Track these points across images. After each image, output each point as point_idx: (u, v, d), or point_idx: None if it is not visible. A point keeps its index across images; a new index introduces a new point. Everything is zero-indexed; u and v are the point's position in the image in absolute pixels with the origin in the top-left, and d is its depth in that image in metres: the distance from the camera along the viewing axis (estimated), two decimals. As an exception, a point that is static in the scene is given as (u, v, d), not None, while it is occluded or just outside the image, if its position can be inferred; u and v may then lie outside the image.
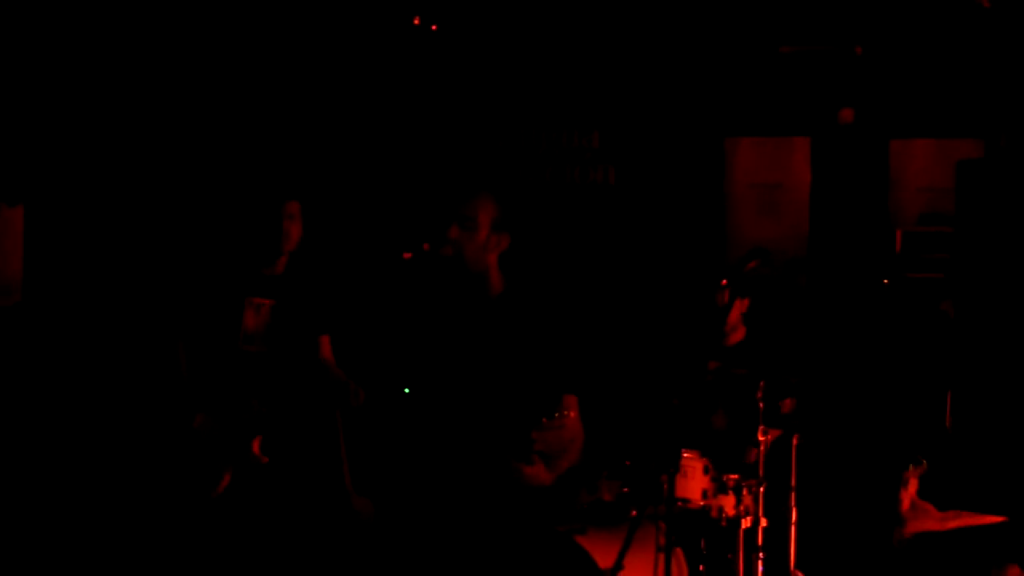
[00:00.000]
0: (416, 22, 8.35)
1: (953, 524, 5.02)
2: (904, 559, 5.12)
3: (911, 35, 8.03)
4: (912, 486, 5.14)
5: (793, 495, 5.80)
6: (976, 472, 4.80)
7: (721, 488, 5.77)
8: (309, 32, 8.23)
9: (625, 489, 5.95)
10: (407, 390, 6.89)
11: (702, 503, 5.75)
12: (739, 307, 6.63)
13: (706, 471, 5.78)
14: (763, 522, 5.75)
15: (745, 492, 5.75)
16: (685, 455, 5.77)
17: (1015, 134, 7.68)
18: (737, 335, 6.68)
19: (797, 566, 5.84)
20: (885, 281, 7.92)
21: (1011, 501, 4.76)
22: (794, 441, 5.82)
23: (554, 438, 5.03)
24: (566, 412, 5.04)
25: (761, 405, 5.83)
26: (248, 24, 8.08)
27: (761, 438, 5.77)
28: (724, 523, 5.77)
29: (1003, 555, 5.01)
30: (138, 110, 7.84)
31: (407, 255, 6.19)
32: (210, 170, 7.96)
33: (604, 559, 5.33)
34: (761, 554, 5.73)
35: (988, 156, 7.77)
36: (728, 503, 5.76)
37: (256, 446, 5.87)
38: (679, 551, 5.72)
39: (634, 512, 5.52)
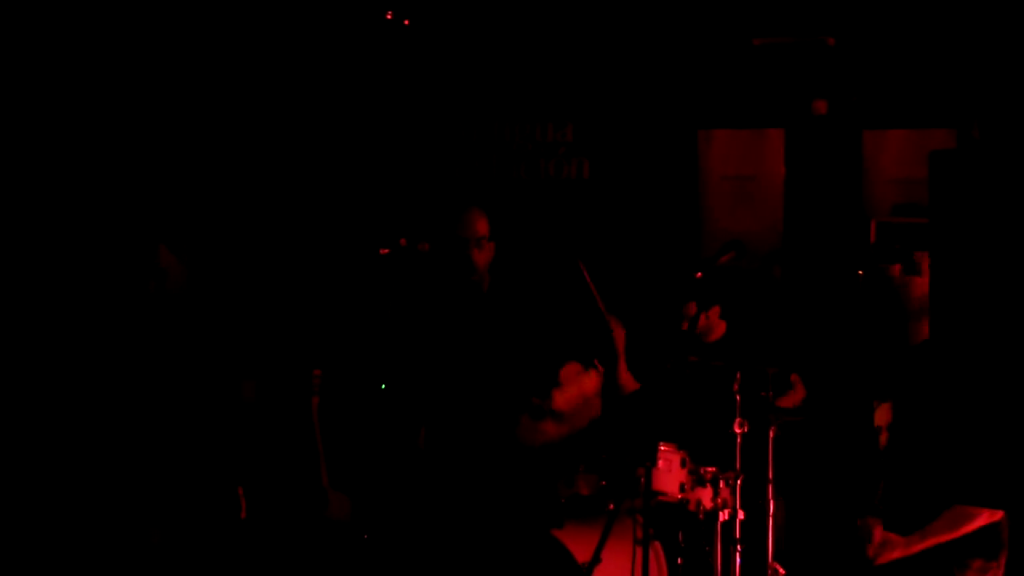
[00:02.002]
0: (389, 17, 8.33)
1: (918, 547, 5.07)
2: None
3: (883, 26, 8.05)
4: (877, 534, 5.18)
5: (771, 487, 5.81)
6: (959, 463, 4.80)
7: (699, 481, 5.77)
8: (282, 28, 8.20)
9: (602, 483, 5.96)
10: (383, 386, 6.87)
11: (679, 496, 5.75)
12: (712, 312, 6.62)
13: (683, 464, 5.78)
14: (740, 515, 5.75)
15: (722, 485, 5.76)
16: (662, 448, 5.77)
17: (988, 123, 7.70)
18: (715, 334, 6.67)
19: (775, 558, 5.84)
20: (860, 272, 7.93)
21: (996, 493, 4.77)
22: (771, 434, 5.82)
23: (570, 395, 5.10)
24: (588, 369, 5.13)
25: (738, 397, 5.84)
26: (219, 21, 8.05)
27: (738, 430, 5.77)
28: (702, 516, 5.77)
29: (967, 550, 5.06)
30: (98, 110, 7.77)
31: (384, 251, 6.17)
32: (178, 174, 7.91)
33: (582, 553, 5.33)
34: (739, 546, 5.74)
35: (961, 146, 7.80)
36: (705, 496, 5.76)
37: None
38: (657, 544, 5.73)
39: (611, 506, 5.52)
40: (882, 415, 5.42)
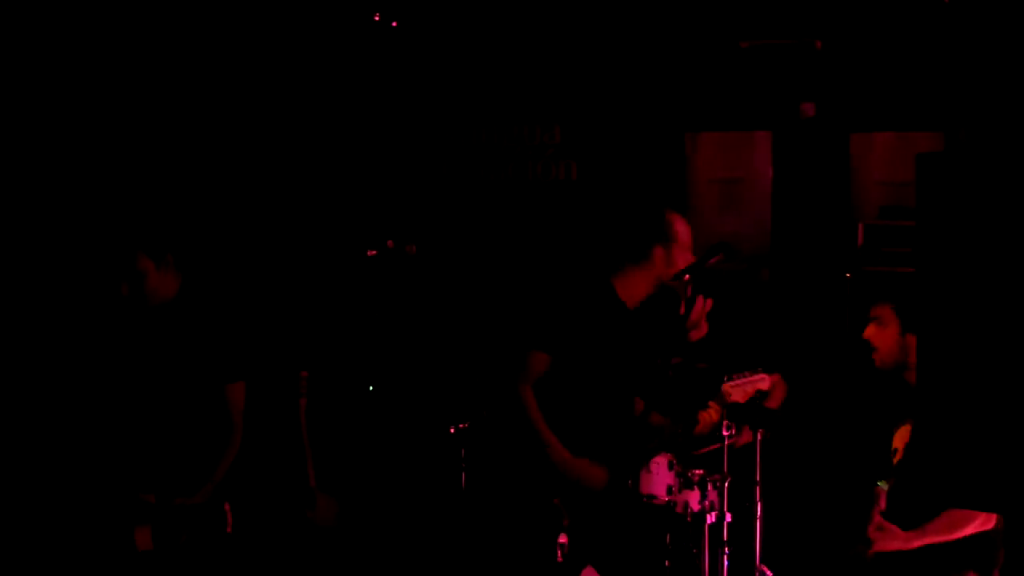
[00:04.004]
0: (377, 18, 8.32)
1: (918, 543, 5.07)
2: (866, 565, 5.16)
3: (871, 29, 8.05)
4: (883, 502, 5.19)
5: (758, 490, 5.81)
6: (945, 468, 4.81)
7: (686, 484, 5.77)
8: (268, 29, 8.19)
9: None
10: (371, 387, 6.85)
11: (667, 499, 5.76)
12: (702, 305, 6.61)
13: (671, 467, 5.78)
14: (728, 517, 5.76)
15: (710, 487, 5.76)
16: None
17: (975, 127, 7.71)
18: (699, 333, 6.67)
19: (762, 561, 5.85)
20: (847, 275, 7.94)
21: (986, 499, 4.77)
22: (758, 436, 5.83)
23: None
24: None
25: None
26: (203, 22, 8.03)
27: (725, 433, 5.77)
28: (689, 518, 5.77)
29: (961, 561, 5.07)
30: (85, 113, 7.74)
31: (372, 252, 6.15)
32: (165, 177, 7.89)
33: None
34: (726, 549, 5.75)
35: (948, 149, 7.80)
36: (693, 498, 5.76)
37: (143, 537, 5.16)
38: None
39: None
40: (901, 437, 5.41)
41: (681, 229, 5.77)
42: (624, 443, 5.49)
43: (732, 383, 5.48)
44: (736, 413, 5.81)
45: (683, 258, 5.72)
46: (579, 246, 8.40)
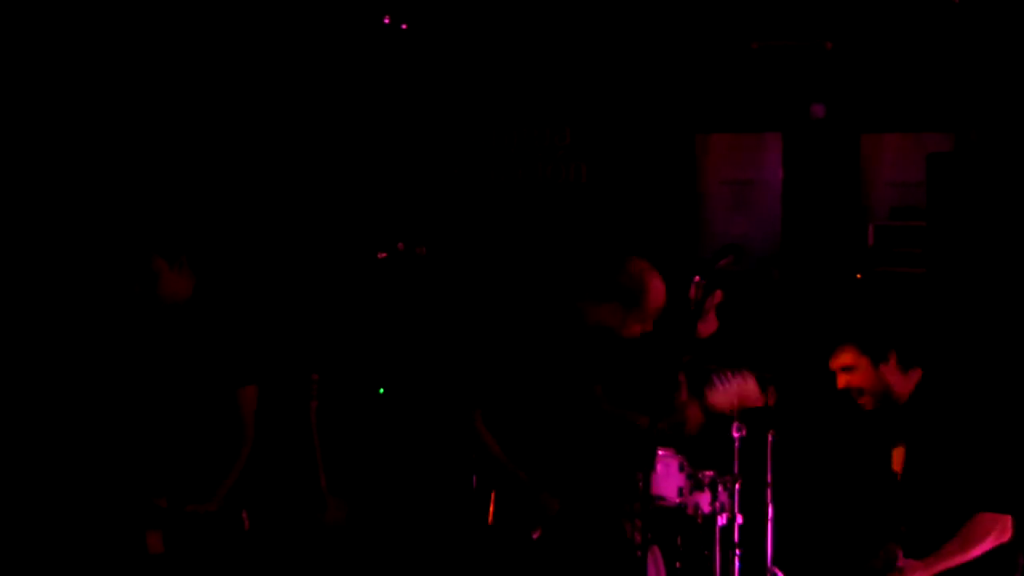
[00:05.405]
0: (387, 21, 8.33)
1: (939, 567, 5.02)
2: None
3: (881, 30, 8.05)
4: (900, 558, 5.14)
5: (769, 491, 5.81)
6: (964, 465, 4.79)
7: (697, 485, 5.77)
8: (280, 32, 8.20)
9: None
10: (381, 391, 6.86)
11: (678, 500, 5.75)
12: (711, 299, 6.59)
13: (681, 468, 5.78)
14: (739, 519, 5.76)
15: (721, 489, 5.76)
16: (660, 452, 5.77)
17: (985, 127, 7.70)
18: (708, 327, 6.64)
19: (773, 562, 5.85)
20: (858, 275, 7.93)
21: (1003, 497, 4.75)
22: (769, 437, 5.82)
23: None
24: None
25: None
26: (215, 25, 8.05)
27: (736, 434, 5.78)
28: (700, 520, 5.77)
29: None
30: (97, 117, 7.75)
31: (382, 255, 6.15)
32: (177, 179, 7.90)
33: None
34: (737, 550, 5.74)
35: (958, 149, 7.78)
36: (704, 500, 5.76)
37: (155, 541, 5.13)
38: (656, 549, 5.73)
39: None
40: (898, 460, 5.36)
41: (653, 294, 5.42)
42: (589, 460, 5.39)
43: (715, 390, 5.35)
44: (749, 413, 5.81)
45: (640, 326, 5.36)
46: (589, 247, 8.39)
